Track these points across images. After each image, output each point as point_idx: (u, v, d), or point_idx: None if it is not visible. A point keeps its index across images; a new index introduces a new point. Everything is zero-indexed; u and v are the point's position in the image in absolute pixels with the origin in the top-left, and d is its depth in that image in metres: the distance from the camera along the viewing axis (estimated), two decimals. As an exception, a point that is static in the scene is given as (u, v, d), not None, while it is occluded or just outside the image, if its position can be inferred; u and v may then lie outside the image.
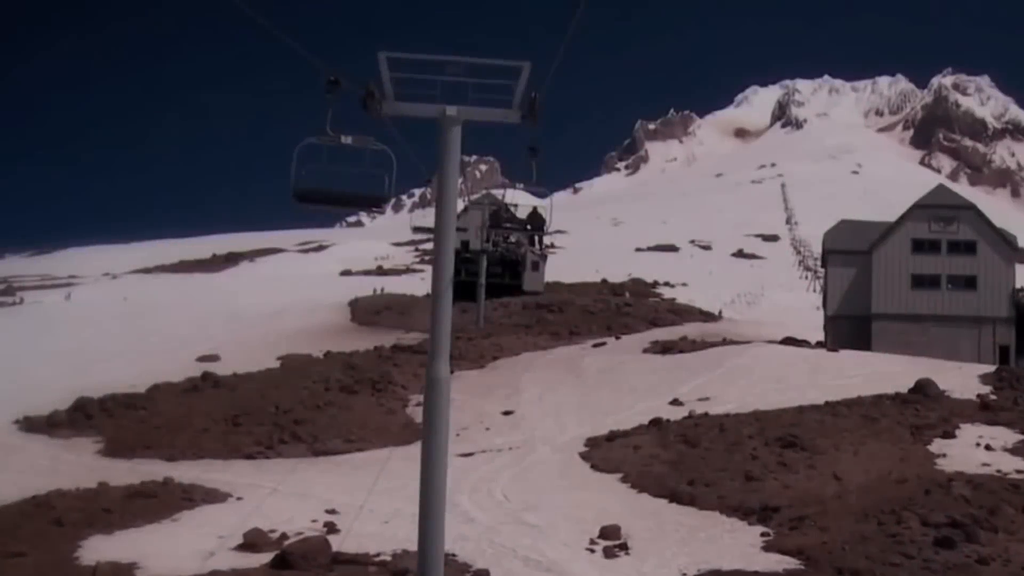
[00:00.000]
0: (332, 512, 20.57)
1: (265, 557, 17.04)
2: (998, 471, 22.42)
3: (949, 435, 26.14)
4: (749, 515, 20.11)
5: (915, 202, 47.67)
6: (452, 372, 34.93)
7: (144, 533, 19.46)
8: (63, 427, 31.61)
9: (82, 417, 32.34)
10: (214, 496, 22.62)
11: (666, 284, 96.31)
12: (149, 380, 38.09)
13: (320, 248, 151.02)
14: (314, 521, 19.87)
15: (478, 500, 21.35)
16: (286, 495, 22.67)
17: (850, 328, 45.60)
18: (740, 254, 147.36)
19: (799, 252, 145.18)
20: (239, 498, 22.49)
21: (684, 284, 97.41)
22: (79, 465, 26.61)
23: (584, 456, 26.33)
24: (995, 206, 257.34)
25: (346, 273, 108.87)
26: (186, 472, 25.53)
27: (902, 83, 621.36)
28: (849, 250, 47.16)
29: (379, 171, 10.73)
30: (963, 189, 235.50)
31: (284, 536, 18.50)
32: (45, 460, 27.37)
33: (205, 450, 28.76)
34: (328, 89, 10.29)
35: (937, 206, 46.60)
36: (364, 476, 23.97)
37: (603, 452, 26.46)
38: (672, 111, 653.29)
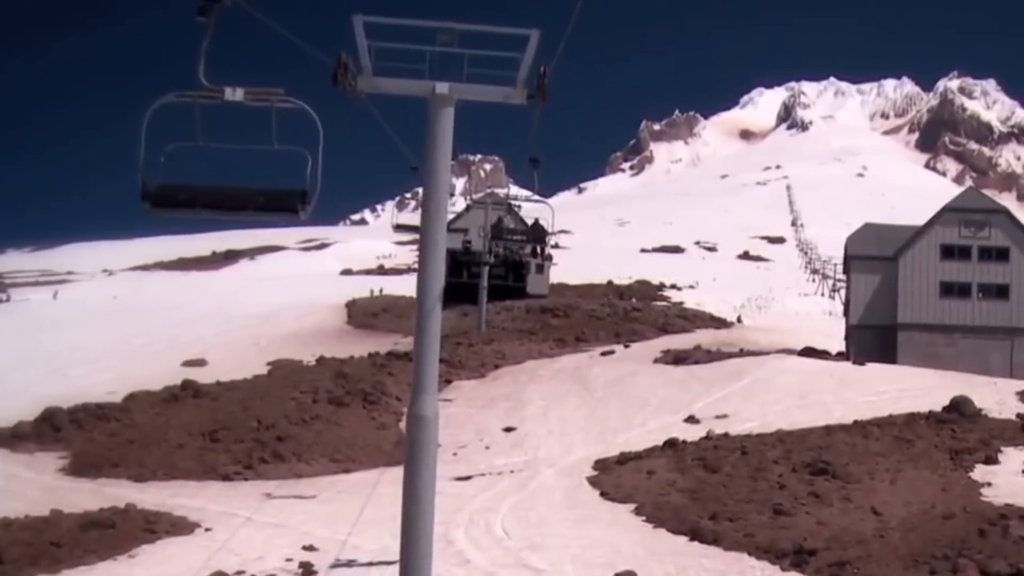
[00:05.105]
0: (310, 548, 18.38)
1: (226, 610, 14.76)
2: (1051, 505, 20.14)
3: (992, 460, 24.17)
4: (781, 558, 17.80)
5: (944, 205, 45.19)
6: (451, 382, 32.46)
7: (95, 574, 17.20)
8: (28, 440, 29.34)
9: (49, 429, 30.03)
10: (180, 526, 20.43)
11: (673, 287, 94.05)
12: (129, 386, 35.91)
13: (322, 246, 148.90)
14: (288, 560, 17.66)
15: (475, 536, 19.04)
16: (261, 526, 20.44)
17: (874, 338, 43.13)
18: (746, 256, 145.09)
19: (806, 254, 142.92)
20: (208, 529, 20.33)
21: (691, 287, 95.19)
22: (37, 486, 24.39)
23: (593, 482, 24.04)
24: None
25: (346, 272, 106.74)
26: (154, 496, 23.33)
27: (908, 86, 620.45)
28: (873, 256, 44.74)
29: (294, 149, 6.86)
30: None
31: (252, 580, 16.25)
32: (0, 479, 25.06)
33: (178, 469, 26.51)
34: (200, 8, 6.64)
35: (968, 210, 44.09)
36: (349, 503, 21.82)
37: (614, 477, 24.18)
38: (677, 112, 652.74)
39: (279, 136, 6.87)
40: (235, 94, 6.89)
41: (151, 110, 6.82)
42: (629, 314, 57.33)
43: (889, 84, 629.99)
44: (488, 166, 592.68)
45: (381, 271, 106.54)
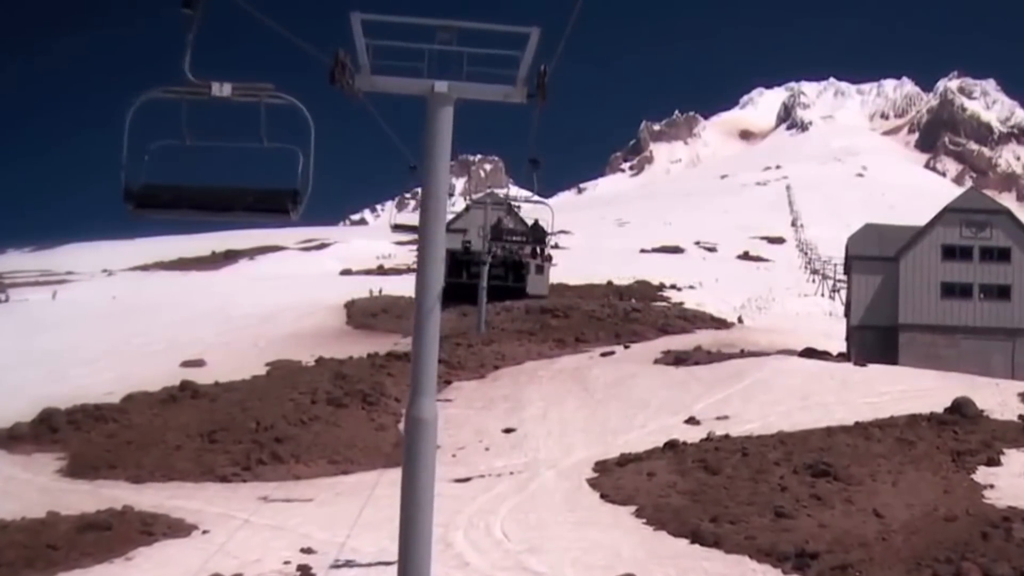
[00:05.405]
0: (308, 551, 18.20)
1: (223, 613, 14.61)
2: (1054, 507, 20.00)
3: (994, 462, 24.07)
4: (783, 561, 17.67)
5: (946, 206, 44.97)
6: (450, 383, 32.27)
7: (90, 576, 17.08)
8: (26, 441, 29.20)
9: (47, 430, 29.89)
10: (178, 528, 20.29)
11: (673, 287, 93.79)
12: (128, 387, 35.78)
13: (322, 246, 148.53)
14: (286, 563, 17.50)
15: (474, 539, 18.90)
16: (258, 528, 20.28)
17: (875, 339, 42.91)
18: (746, 256, 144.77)
19: (806, 255, 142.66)
20: (205, 531, 20.17)
21: (692, 287, 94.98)
22: (34, 487, 24.24)
23: (593, 483, 23.86)
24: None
25: (346, 272, 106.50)
26: (152, 497, 23.16)
27: (908, 86, 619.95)
28: (874, 256, 44.53)
29: (283, 147, 6.56)
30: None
31: (249, 583, 16.10)
32: (-3, 481, 24.95)
33: (175, 471, 26.34)
34: (186, 0, 6.38)
35: (969, 210, 43.84)
36: (348, 505, 21.63)
37: (614, 479, 24.01)
38: (677, 112, 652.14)
39: (270, 134, 6.63)
40: (223, 90, 6.64)
41: (134, 107, 6.52)
42: (629, 315, 57.07)
43: (889, 84, 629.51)
44: (488, 166, 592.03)
45: (381, 271, 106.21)
